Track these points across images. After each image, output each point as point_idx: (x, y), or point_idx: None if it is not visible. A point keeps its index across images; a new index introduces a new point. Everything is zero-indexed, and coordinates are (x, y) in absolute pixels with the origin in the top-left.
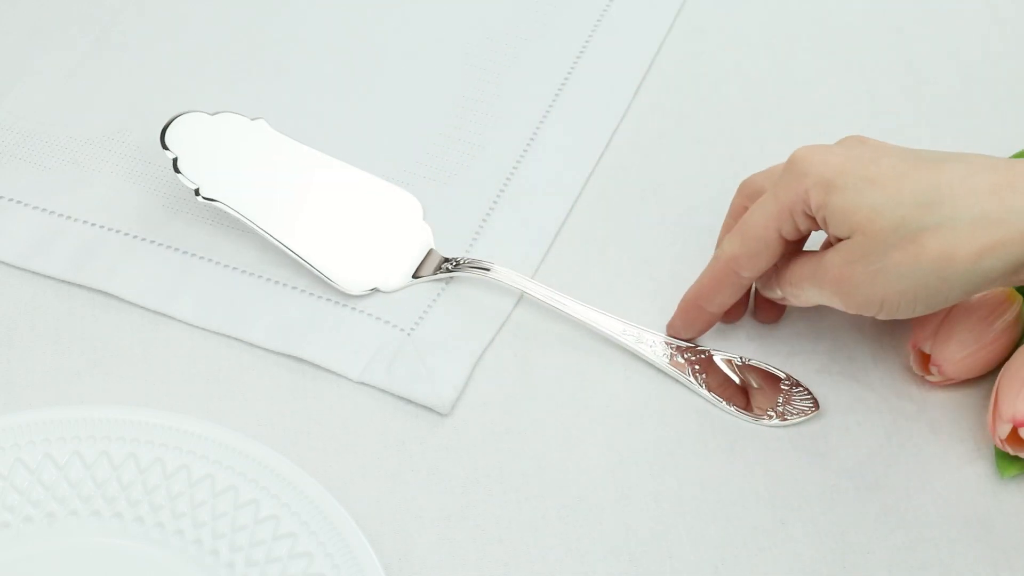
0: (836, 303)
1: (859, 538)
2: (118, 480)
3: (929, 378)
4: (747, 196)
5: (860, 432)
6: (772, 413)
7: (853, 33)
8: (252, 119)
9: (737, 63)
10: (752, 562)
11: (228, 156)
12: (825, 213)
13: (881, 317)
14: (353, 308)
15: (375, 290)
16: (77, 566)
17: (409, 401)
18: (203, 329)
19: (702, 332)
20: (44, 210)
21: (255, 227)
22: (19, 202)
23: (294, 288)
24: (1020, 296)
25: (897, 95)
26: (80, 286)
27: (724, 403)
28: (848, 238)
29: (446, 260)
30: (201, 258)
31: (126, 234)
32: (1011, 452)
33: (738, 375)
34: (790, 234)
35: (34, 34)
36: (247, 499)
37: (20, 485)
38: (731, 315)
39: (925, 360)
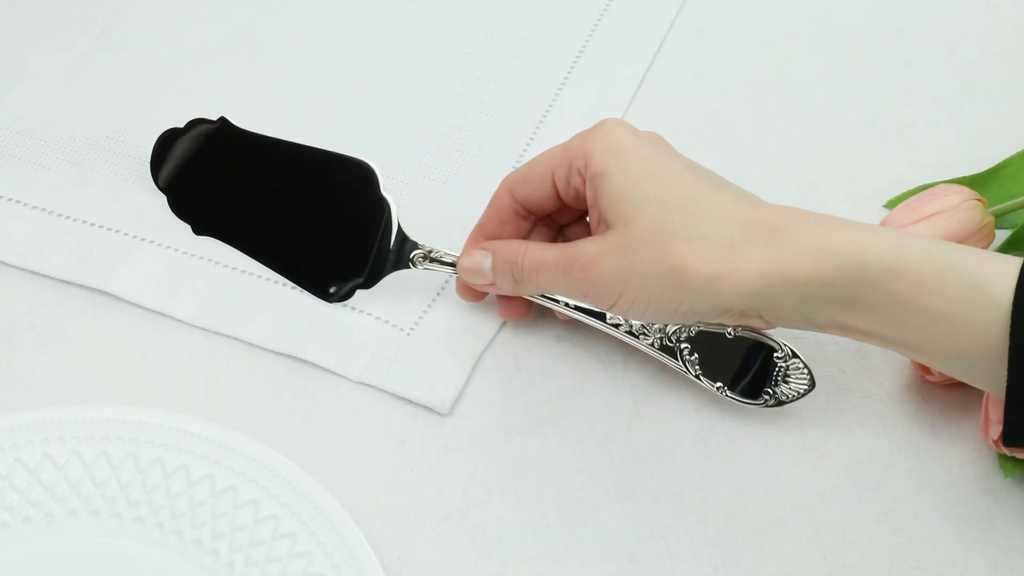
0: (572, 291)
1: (859, 538)
2: (117, 480)
3: (929, 378)
4: (507, 185)
5: (860, 432)
6: (767, 395)
7: (853, 33)
8: (215, 121)
9: (737, 63)
10: (752, 562)
11: (206, 176)
12: (599, 184)
13: (615, 312)
14: (353, 308)
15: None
16: (76, 566)
17: (409, 401)
18: (203, 329)
19: (475, 277)
20: (44, 210)
21: (244, 256)
22: (19, 202)
23: (294, 288)
24: None
25: (897, 95)
26: (80, 286)
27: (725, 390)
28: (611, 228)
29: (424, 254)
30: (201, 258)
31: (126, 234)
32: (1007, 453)
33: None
34: (559, 181)
35: (34, 34)
36: (247, 499)
37: (19, 485)
38: (512, 313)
39: None
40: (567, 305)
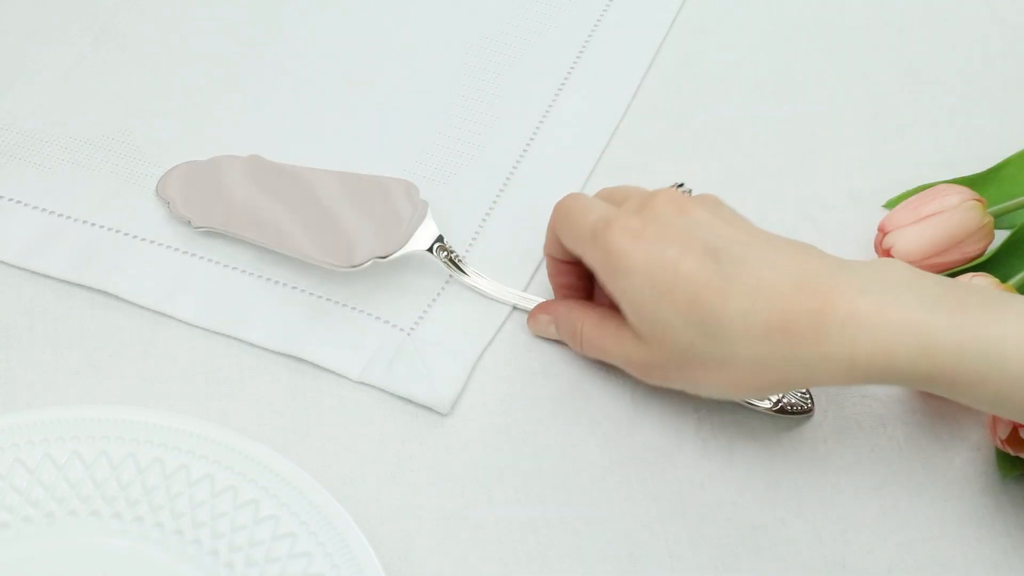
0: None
1: (859, 538)
2: (117, 480)
3: None
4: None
5: (860, 432)
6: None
7: (853, 33)
8: (247, 156)
9: (737, 63)
10: (752, 562)
11: (220, 192)
12: (617, 301)
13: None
14: (353, 308)
15: (374, 260)
16: (76, 566)
17: (409, 401)
18: (203, 329)
19: (547, 335)
20: (44, 210)
21: (246, 238)
22: (19, 202)
23: (294, 288)
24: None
25: (897, 95)
26: (80, 286)
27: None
28: (644, 340)
29: (443, 246)
30: (201, 258)
31: (126, 234)
32: (1011, 453)
33: None
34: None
35: (34, 34)
36: (247, 499)
37: (19, 485)
38: None
39: None
40: None
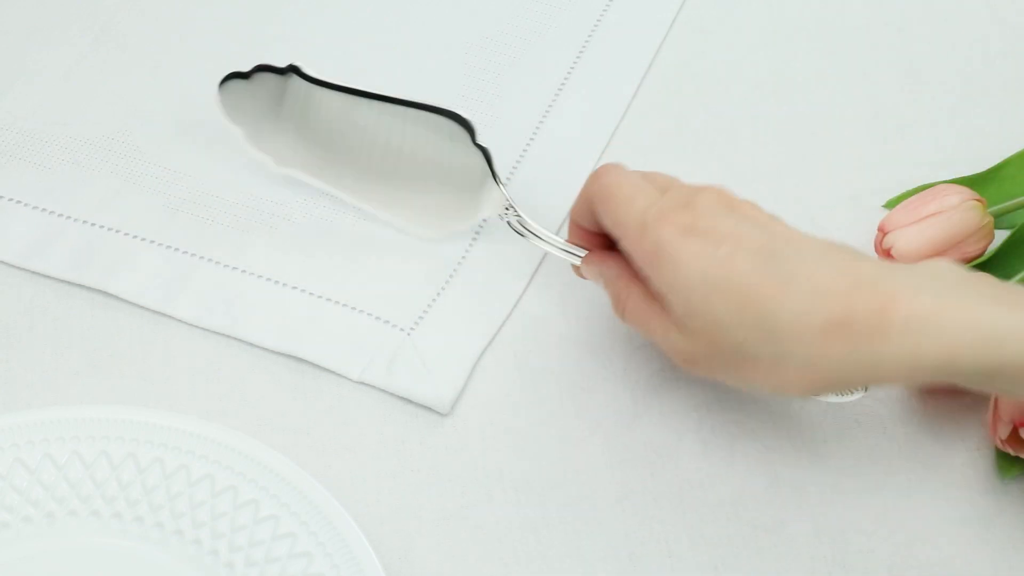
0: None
1: (859, 538)
2: (117, 480)
3: None
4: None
5: (860, 432)
6: None
7: (853, 33)
8: (283, 72)
9: (737, 63)
10: (752, 562)
11: (277, 118)
12: (664, 293)
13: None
14: (353, 308)
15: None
16: (76, 566)
17: (409, 401)
18: (203, 329)
19: (585, 245)
20: (44, 210)
21: (332, 191)
22: (19, 202)
23: (294, 288)
24: None
25: (897, 95)
26: (80, 286)
27: None
28: (693, 332)
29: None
30: (201, 258)
31: (126, 234)
32: (1012, 453)
33: None
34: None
35: (34, 33)
36: (247, 499)
37: (19, 485)
38: None
39: None
40: None
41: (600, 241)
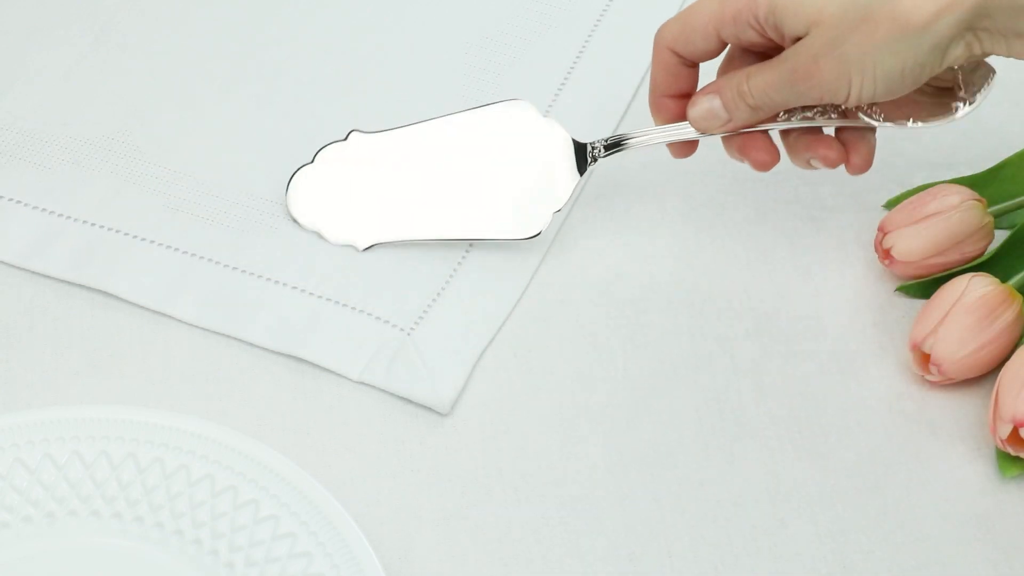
0: (806, 100)
1: (859, 538)
2: (117, 480)
3: (929, 378)
4: (668, 46)
5: (860, 432)
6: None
7: None
8: (344, 138)
9: None
10: (752, 562)
11: (343, 194)
12: (776, 19)
13: (851, 103)
14: (353, 308)
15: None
16: (76, 566)
17: (409, 401)
18: (203, 329)
19: (676, 118)
20: (44, 210)
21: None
22: (19, 202)
23: (294, 288)
24: (1020, 296)
25: None
26: (80, 286)
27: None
28: (805, 35)
29: (591, 148)
30: (201, 258)
31: (126, 234)
32: (1012, 452)
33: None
34: (729, 38)
35: (34, 34)
36: (247, 499)
37: (19, 485)
38: (760, 162)
39: (925, 360)
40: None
41: (691, 78)
